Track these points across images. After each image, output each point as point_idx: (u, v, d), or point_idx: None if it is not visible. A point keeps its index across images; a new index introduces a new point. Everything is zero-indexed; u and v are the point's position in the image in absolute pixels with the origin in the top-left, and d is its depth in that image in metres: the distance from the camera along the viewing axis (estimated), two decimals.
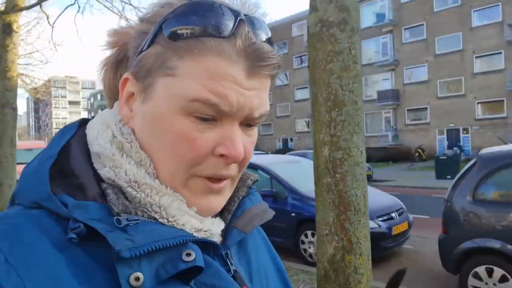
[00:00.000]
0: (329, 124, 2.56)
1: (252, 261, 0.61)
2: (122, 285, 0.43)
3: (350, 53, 2.51)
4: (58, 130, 0.59)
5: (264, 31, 0.51)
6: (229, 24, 0.48)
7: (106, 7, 11.39)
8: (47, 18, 12.02)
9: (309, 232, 6.20)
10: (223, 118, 0.49)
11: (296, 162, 7.97)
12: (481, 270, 4.28)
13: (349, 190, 2.53)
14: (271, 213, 0.64)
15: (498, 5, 27.11)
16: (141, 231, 0.46)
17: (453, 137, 29.32)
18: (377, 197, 6.66)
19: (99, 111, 0.60)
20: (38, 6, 9.34)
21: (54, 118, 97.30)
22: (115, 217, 0.46)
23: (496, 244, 4.14)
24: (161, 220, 0.50)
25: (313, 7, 2.60)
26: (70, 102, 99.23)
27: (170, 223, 0.50)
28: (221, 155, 0.50)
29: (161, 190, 0.51)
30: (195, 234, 0.52)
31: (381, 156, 29.81)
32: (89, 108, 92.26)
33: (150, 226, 0.48)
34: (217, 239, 0.55)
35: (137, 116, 0.53)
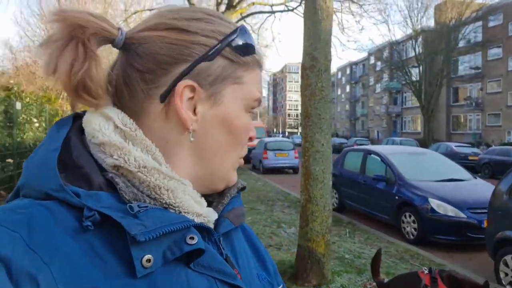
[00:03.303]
0: (304, 127, 4.29)
1: (236, 247, 0.67)
2: (136, 267, 0.46)
3: (316, 85, 4.14)
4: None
5: None
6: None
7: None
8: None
9: (407, 214, 7.27)
10: None
11: (419, 154, 8.85)
12: (508, 258, 4.88)
13: (310, 166, 4.22)
14: (245, 218, 0.70)
15: None
16: (150, 217, 0.49)
17: None
18: (481, 192, 7.03)
19: None
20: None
21: (288, 100, 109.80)
22: (128, 204, 0.49)
23: None
24: (168, 200, 0.54)
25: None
26: None
27: (176, 205, 0.55)
28: (250, 138, 0.65)
29: (168, 175, 0.55)
30: (196, 219, 0.56)
31: None
32: None
33: (157, 212, 0.51)
34: (211, 226, 0.60)
35: (203, 119, 0.58)
